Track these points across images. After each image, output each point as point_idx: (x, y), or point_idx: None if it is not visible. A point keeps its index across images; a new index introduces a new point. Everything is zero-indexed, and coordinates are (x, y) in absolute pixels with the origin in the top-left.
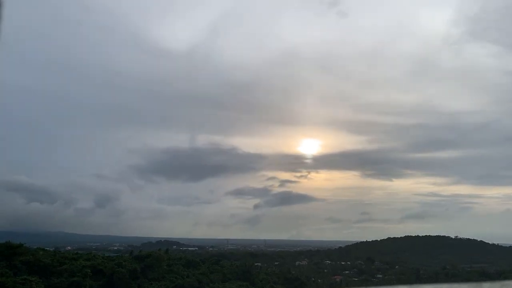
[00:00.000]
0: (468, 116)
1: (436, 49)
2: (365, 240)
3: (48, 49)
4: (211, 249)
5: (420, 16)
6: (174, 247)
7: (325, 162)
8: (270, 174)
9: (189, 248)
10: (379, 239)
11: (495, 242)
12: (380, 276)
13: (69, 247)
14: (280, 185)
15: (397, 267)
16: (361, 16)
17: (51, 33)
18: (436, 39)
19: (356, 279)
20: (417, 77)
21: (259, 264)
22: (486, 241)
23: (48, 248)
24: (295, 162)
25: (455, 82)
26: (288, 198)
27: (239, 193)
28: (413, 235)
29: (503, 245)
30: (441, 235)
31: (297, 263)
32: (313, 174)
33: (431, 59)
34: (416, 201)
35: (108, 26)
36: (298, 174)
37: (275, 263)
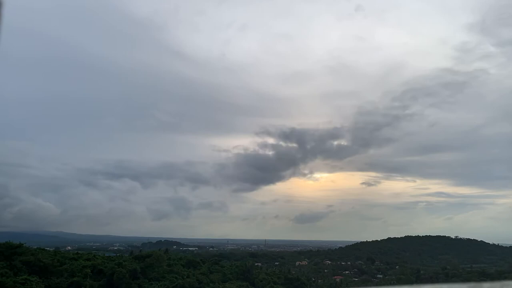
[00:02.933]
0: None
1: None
2: (365, 240)
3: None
4: (211, 249)
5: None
6: (174, 247)
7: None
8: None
9: (189, 248)
10: (379, 239)
11: (495, 242)
12: (380, 276)
13: (69, 247)
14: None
15: (397, 267)
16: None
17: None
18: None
19: (356, 279)
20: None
21: (259, 264)
22: (487, 241)
23: (48, 248)
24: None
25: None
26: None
27: None
28: (413, 235)
29: (503, 245)
30: (441, 235)
31: (297, 263)
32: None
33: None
34: (416, 202)
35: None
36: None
37: (275, 263)
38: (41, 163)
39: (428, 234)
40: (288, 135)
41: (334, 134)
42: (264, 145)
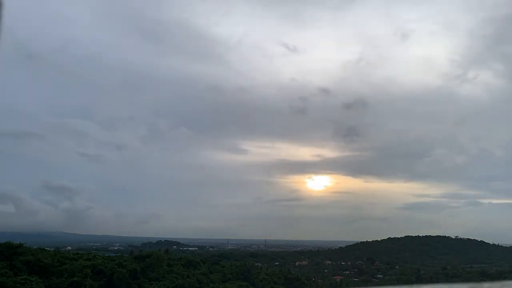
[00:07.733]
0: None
1: None
2: (365, 240)
3: None
4: (211, 249)
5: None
6: (174, 247)
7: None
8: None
9: (189, 248)
10: (379, 239)
11: (496, 242)
12: (380, 276)
13: (69, 247)
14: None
15: (397, 267)
16: None
17: None
18: None
19: (356, 279)
20: None
21: (259, 264)
22: (487, 241)
23: (48, 248)
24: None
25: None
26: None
27: None
28: (413, 235)
29: (504, 245)
30: (441, 235)
31: (297, 263)
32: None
33: None
34: (416, 202)
35: None
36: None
37: (276, 263)
38: None
39: (428, 234)
40: None
41: None
42: None
